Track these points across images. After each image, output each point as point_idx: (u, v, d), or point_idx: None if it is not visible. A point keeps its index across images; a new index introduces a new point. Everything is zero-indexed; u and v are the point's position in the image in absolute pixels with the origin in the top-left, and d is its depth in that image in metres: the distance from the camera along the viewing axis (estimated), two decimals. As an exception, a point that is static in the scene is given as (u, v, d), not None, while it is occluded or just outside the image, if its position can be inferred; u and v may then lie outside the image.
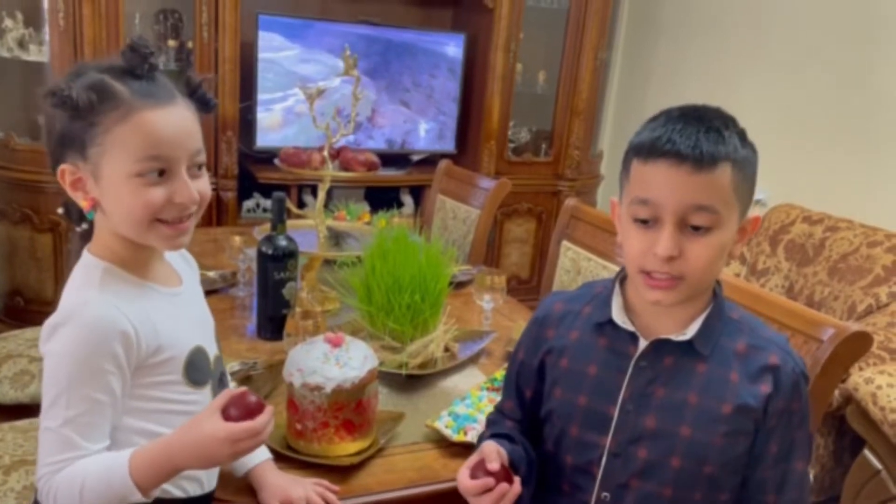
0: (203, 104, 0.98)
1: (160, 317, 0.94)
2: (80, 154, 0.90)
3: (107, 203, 0.92)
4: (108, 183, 0.90)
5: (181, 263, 1.08)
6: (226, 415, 0.88)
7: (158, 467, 0.88)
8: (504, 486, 0.90)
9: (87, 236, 0.98)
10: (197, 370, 0.98)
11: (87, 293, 0.90)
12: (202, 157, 0.95)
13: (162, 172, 0.90)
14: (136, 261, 0.96)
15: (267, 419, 0.90)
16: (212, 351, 1.03)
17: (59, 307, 0.90)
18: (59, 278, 2.86)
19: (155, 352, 0.93)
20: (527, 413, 1.10)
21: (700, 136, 0.88)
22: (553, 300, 1.10)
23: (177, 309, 0.99)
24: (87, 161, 0.90)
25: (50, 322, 0.90)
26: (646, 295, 0.93)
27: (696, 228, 0.89)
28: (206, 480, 1.04)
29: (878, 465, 2.05)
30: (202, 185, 0.95)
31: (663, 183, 0.89)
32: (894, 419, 1.93)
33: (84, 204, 0.92)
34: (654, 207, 0.90)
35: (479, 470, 0.92)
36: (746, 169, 0.91)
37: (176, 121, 0.91)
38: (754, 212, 0.95)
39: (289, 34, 3.16)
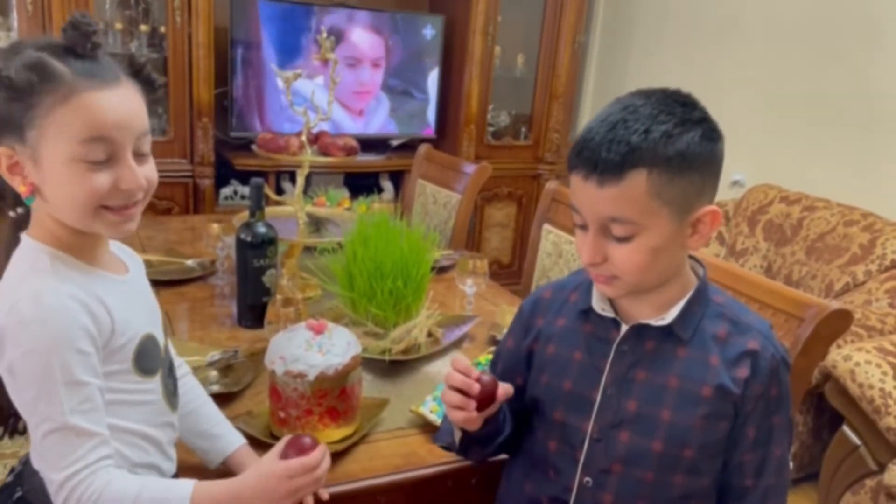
0: (148, 84, 0.94)
1: (112, 301, 0.91)
2: (19, 137, 0.85)
3: (47, 189, 0.87)
4: (48, 168, 0.85)
5: (125, 256, 1.04)
6: (283, 456, 0.97)
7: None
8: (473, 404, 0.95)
9: (20, 222, 0.93)
10: (148, 358, 0.96)
11: (43, 282, 0.86)
12: (148, 141, 0.91)
13: (106, 157, 0.86)
14: (81, 246, 0.92)
15: (320, 455, 0.97)
16: (161, 340, 1.01)
17: (10, 300, 0.84)
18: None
19: (111, 336, 0.90)
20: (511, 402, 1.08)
21: (602, 149, 0.86)
22: (543, 288, 1.12)
23: (126, 295, 0.96)
24: (25, 144, 0.85)
25: (7, 320, 0.84)
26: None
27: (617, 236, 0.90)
28: (167, 468, 1.02)
29: (856, 440, 2.08)
30: (149, 171, 0.92)
31: (580, 194, 0.91)
32: (872, 395, 1.96)
33: (22, 189, 0.88)
34: (579, 215, 0.93)
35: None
36: (679, 165, 0.86)
37: (121, 102, 0.87)
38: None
39: (264, 17, 3.11)
